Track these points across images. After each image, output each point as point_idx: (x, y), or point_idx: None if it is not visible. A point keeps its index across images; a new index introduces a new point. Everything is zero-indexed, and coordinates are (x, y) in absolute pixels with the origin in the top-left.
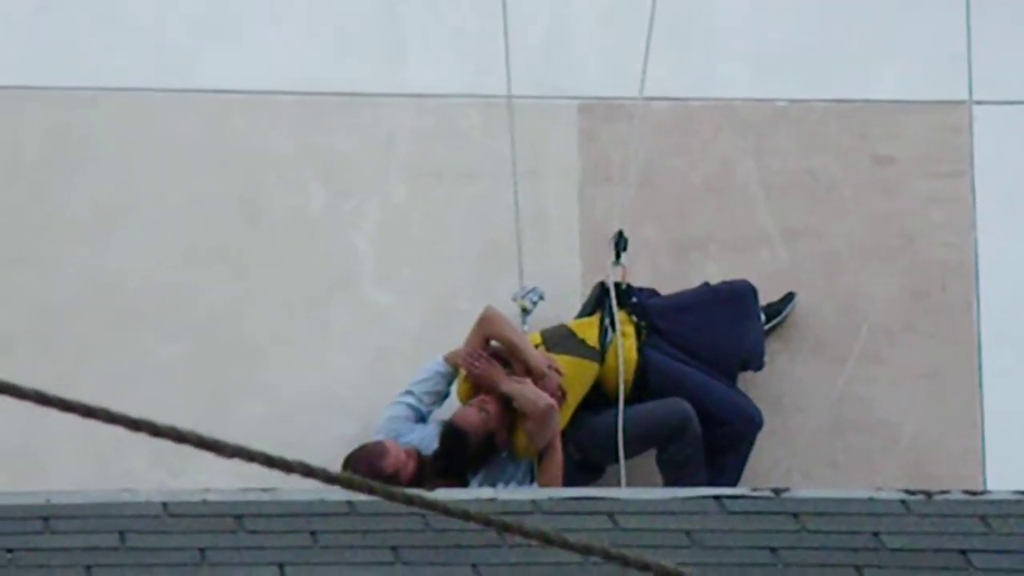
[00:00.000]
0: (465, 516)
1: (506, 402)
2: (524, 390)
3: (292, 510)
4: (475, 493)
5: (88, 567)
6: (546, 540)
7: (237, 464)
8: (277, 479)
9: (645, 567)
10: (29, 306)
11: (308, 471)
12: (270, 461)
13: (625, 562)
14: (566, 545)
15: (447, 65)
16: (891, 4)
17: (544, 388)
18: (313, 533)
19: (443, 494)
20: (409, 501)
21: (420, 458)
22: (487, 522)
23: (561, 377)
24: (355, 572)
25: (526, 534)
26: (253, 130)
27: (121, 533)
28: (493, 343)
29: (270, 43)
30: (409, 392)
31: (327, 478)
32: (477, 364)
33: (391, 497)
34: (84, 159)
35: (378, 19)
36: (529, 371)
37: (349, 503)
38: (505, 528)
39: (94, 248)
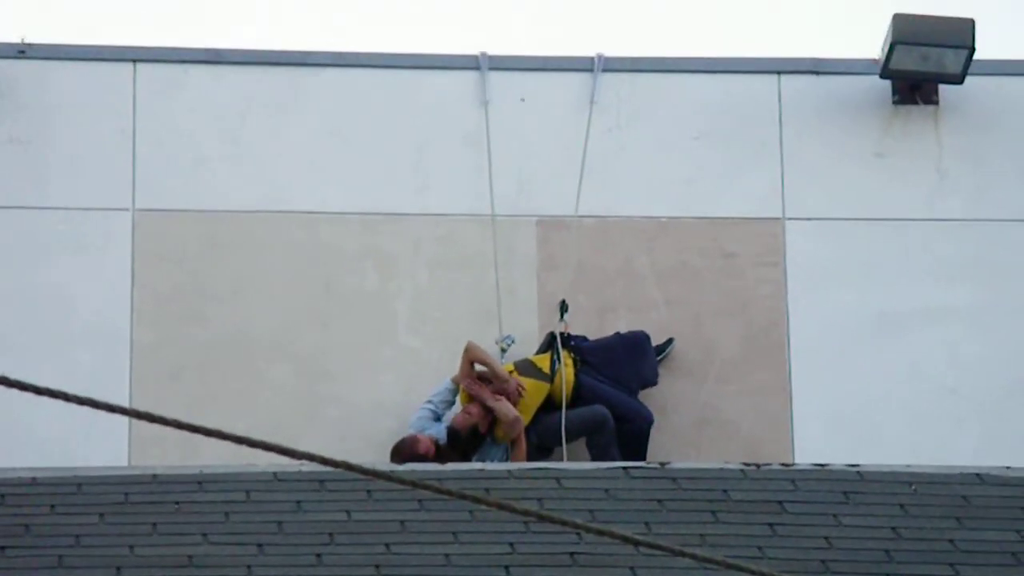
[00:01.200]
0: (448, 493)
1: (486, 409)
2: (501, 406)
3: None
4: (468, 466)
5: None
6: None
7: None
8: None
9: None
10: (192, 345)
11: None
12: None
13: (541, 517)
14: (503, 507)
15: (454, 194)
16: (735, 153)
17: (508, 388)
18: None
19: (436, 471)
20: (413, 484)
21: (438, 445)
22: (460, 496)
23: (522, 390)
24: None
25: (487, 503)
26: (332, 237)
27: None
28: (477, 366)
29: (344, 179)
30: (429, 402)
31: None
32: (472, 386)
33: (395, 479)
34: (225, 255)
35: (411, 163)
36: (498, 378)
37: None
38: (474, 499)
39: (233, 309)
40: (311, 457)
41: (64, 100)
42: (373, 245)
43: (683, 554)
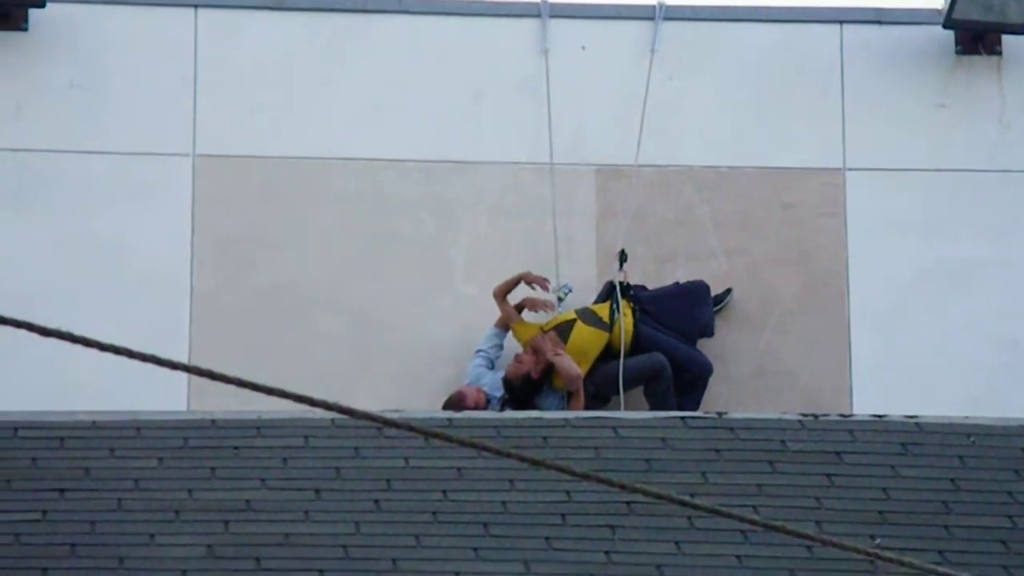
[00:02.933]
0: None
1: (536, 353)
2: (561, 360)
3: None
4: (525, 415)
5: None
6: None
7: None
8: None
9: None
10: (251, 293)
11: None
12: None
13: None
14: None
15: (512, 143)
16: (796, 102)
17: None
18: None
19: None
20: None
21: (487, 397)
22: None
23: (569, 338)
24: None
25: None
26: (390, 185)
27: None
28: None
29: (403, 127)
30: (480, 351)
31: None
32: (536, 339)
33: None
34: (284, 203)
35: (471, 112)
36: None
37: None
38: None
39: (291, 257)
40: (369, 416)
41: (124, 45)
42: (431, 193)
43: (683, 503)
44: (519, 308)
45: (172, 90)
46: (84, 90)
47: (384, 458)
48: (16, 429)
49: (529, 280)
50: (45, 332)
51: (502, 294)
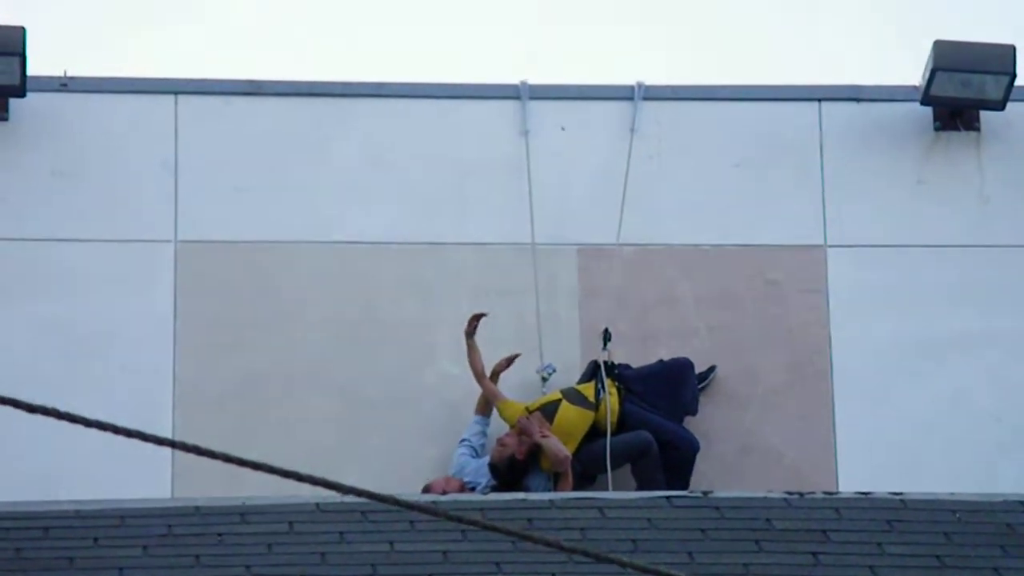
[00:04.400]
0: (448, 516)
1: (521, 434)
2: (549, 443)
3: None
4: (511, 497)
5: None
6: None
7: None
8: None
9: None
10: (235, 376)
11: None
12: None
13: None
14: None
15: (494, 223)
16: (776, 180)
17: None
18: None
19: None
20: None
21: (464, 485)
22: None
23: (554, 419)
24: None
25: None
26: (372, 267)
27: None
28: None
29: (384, 209)
30: (464, 440)
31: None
32: (522, 420)
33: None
34: (267, 286)
35: (453, 194)
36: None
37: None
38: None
39: (275, 339)
40: (357, 492)
41: (106, 133)
42: (413, 274)
43: None
44: (495, 374)
45: (153, 177)
46: (65, 178)
47: (370, 543)
48: None
49: (500, 369)
50: (31, 409)
51: (481, 376)
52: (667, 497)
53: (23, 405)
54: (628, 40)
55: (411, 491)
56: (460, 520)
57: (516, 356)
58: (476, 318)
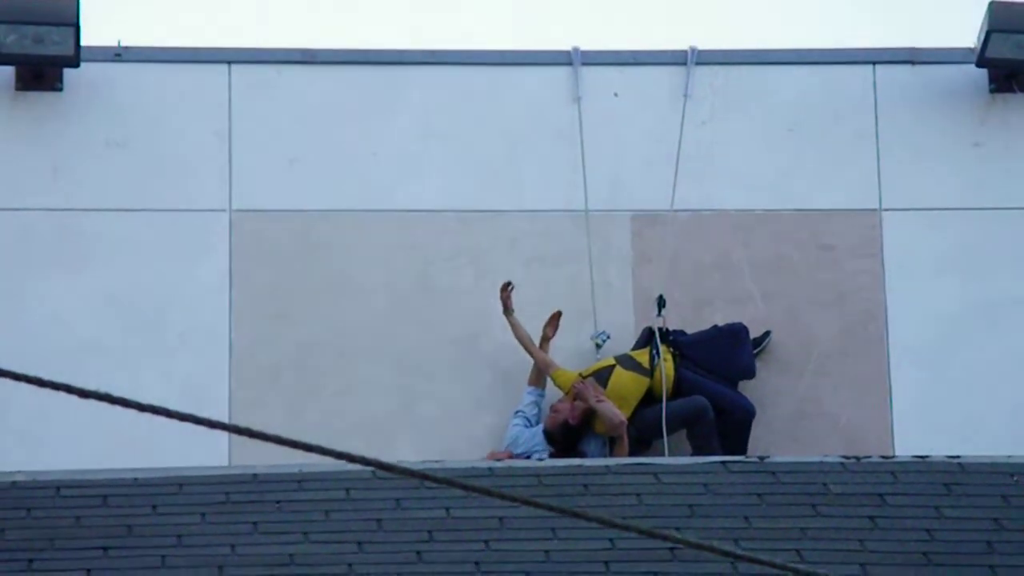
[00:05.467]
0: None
1: (577, 399)
2: (604, 407)
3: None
4: (567, 463)
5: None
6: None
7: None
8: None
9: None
10: (290, 345)
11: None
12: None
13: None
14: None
15: (548, 191)
16: (830, 144)
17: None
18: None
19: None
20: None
21: (511, 457)
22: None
23: (608, 383)
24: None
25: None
26: (426, 236)
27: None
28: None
29: (438, 178)
30: (519, 411)
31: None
32: (577, 384)
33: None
34: (321, 255)
35: (506, 161)
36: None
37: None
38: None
39: (330, 309)
40: (411, 473)
41: (160, 102)
42: (468, 242)
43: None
44: (545, 339)
45: (207, 146)
46: (119, 148)
47: (426, 509)
48: (59, 488)
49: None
50: (84, 394)
51: (530, 347)
52: (723, 462)
53: (76, 391)
54: (681, 4)
55: (465, 459)
56: (513, 499)
57: (558, 314)
58: (505, 289)
